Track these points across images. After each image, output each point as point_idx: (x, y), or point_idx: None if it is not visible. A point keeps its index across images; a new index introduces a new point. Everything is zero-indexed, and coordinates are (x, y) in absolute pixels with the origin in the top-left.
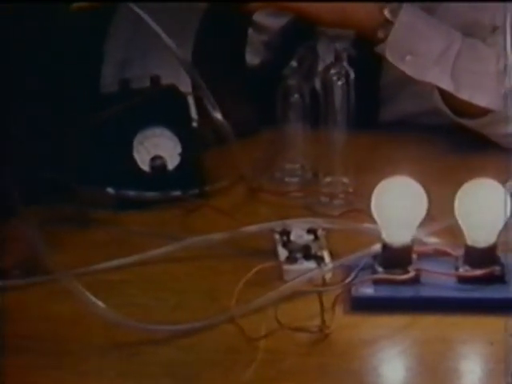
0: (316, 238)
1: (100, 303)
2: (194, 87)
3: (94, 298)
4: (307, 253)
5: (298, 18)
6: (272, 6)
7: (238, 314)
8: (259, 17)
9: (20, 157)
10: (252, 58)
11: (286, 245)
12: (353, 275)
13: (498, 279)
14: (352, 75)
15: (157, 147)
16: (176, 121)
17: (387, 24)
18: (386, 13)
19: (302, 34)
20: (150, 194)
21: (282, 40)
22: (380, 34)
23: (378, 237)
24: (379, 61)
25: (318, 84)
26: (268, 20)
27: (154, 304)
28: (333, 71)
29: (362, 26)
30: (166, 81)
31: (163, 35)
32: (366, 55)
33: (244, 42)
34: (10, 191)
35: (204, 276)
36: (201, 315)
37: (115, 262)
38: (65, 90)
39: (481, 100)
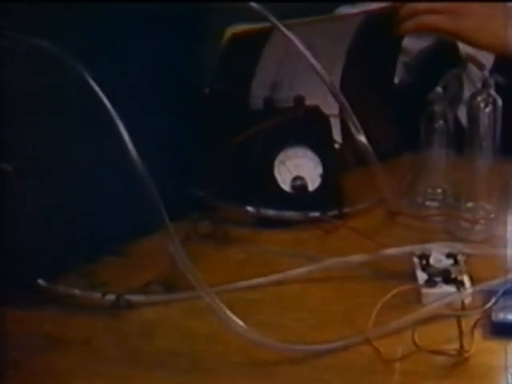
0: (456, 262)
1: (240, 322)
2: (340, 109)
3: (233, 316)
4: (447, 277)
5: (440, 42)
6: (428, 27)
7: (374, 336)
8: None
9: (164, 172)
10: None
11: (425, 268)
12: (493, 300)
13: None
14: (499, 102)
15: (298, 168)
16: (318, 142)
17: None
18: None
19: (442, 57)
20: (290, 214)
21: (422, 63)
22: None
23: None
24: None
25: (461, 110)
26: (409, 42)
27: (291, 324)
28: (480, 98)
29: None
30: (310, 102)
31: (311, 58)
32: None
33: (394, 65)
34: (155, 205)
35: (341, 297)
36: (337, 336)
37: (253, 281)
38: (213, 108)
39: None
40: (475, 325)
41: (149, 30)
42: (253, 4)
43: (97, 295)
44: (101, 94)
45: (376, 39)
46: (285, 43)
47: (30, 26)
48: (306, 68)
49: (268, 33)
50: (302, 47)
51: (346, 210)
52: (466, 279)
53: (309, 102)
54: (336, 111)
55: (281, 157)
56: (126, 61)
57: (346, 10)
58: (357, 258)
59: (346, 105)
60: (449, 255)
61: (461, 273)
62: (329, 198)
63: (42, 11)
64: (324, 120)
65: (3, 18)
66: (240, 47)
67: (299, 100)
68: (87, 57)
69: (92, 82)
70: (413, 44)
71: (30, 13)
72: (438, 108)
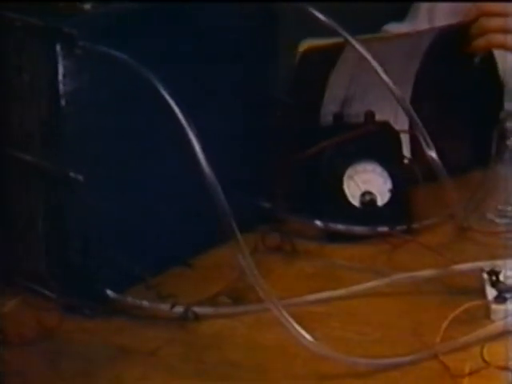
0: None
1: (307, 335)
2: (410, 125)
3: (301, 329)
4: None
5: None
6: (498, 46)
7: (442, 351)
8: None
9: (233, 184)
10: None
11: (494, 284)
12: None
13: None
14: None
15: (367, 183)
16: (388, 157)
17: None
18: None
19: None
20: (358, 229)
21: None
22: None
23: None
24: None
25: None
26: None
27: (357, 337)
28: None
29: None
30: (380, 117)
31: (383, 74)
32: None
33: (465, 81)
34: (225, 217)
35: (409, 312)
36: (403, 350)
37: (320, 295)
38: (283, 121)
39: None
40: None
41: (220, 41)
42: (326, 19)
43: (165, 307)
44: (172, 104)
45: (447, 56)
46: (357, 59)
47: (100, 35)
48: (376, 84)
49: (340, 48)
50: (374, 63)
51: (414, 225)
52: None
53: (379, 117)
54: (405, 127)
55: (350, 172)
56: (198, 73)
57: (393, 26)
58: (425, 273)
59: (418, 121)
60: None
61: None
62: (398, 213)
63: (113, 18)
64: (394, 135)
65: (74, 27)
66: (313, 62)
67: (370, 115)
68: (158, 67)
69: (163, 92)
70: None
71: (100, 22)
72: (509, 125)
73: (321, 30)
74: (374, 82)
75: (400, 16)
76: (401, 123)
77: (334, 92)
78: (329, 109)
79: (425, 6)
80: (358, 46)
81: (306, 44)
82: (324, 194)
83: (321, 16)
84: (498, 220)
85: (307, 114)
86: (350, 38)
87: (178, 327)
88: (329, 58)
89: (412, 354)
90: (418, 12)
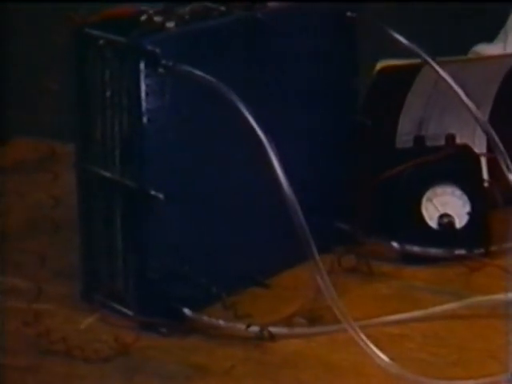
0: None
1: (384, 356)
2: (489, 147)
3: (377, 351)
4: None
5: None
6: None
7: None
8: None
9: (310, 205)
10: None
11: None
12: None
13: None
14: None
15: (446, 205)
16: (468, 180)
17: None
18: None
19: None
20: (435, 251)
21: None
22: None
23: None
24: None
25: None
26: None
27: (433, 359)
28: None
29: None
30: (460, 140)
31: (463, 95)
32: None
33: None
34: (303, 238)
35: (486, 335)
36: (480, 373)
37: (396, 316)
38: (360, 142)
39: None
40: None
41: (301, 60)
42: (404, 40)
43: (241, 326)
44: (255, 126)
45: None
46: (433, 80)
47: (183, 53)
48: (453, 106)
49: (417, 69)
50: (455, 86)
51: (493, 248)
52: None
53: (457, 139)
54: (482, 149)
55: (429, 194)
56: (278, 94)
57: (483, 47)
58: (503, 296)
59: (500, 144)
60: None
61: None
62: (476, 236)
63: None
64: (475, 159)
65: (157, 45)
66: (388, 82)
67: (451, 138)
68: (238, 87)
69: (246, 113)
70: None
71: (183, 41)
72: None
73: (403, 51)
74: (452, 104)
75: (489, 37)
76: (477, 145)
77: (410, 113)
78: (404, 130)
79: None
80: (439, 68)
81: (382, 64)
82: (401, 216)
83: (400, 37)
84: None
85: (383, 134)
86: (430, 60)
87: (253, 347)
88: (405, 78)
89: (489, 376)
90: (509, 33)
